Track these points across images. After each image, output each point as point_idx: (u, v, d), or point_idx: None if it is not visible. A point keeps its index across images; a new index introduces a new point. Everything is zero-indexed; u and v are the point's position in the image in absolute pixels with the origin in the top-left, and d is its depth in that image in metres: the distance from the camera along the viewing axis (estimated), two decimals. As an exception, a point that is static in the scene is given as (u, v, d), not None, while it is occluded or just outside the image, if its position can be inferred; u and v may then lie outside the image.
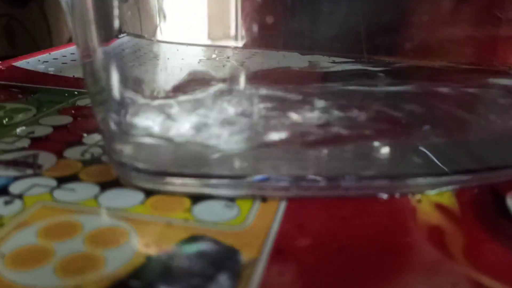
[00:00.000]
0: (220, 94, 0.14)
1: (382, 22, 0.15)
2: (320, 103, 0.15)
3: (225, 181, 0.13)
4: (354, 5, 0.15)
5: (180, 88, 0.15)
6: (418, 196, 0.13)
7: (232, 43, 0.16)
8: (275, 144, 0.13)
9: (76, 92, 0.21)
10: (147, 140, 0.14)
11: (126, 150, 0.14)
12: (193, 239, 0.11)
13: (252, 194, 0.13)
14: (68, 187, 0.13)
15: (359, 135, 0.14)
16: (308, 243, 0.11)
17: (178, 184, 0.13)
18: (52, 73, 0.24)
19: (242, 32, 0.15)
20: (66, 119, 0.18)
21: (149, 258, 0.10)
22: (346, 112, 0.15)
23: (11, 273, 0.10)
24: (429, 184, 0.13)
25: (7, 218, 0.12)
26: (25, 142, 0.16)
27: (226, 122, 0.14)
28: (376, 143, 0.13)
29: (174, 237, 0.11)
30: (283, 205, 0.12)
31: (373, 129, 0.14)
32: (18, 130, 0.17)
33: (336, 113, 0.14)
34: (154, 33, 0.16)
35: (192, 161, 0.13)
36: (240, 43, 0.15)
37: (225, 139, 0.13)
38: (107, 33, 0.14)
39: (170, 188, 0.13)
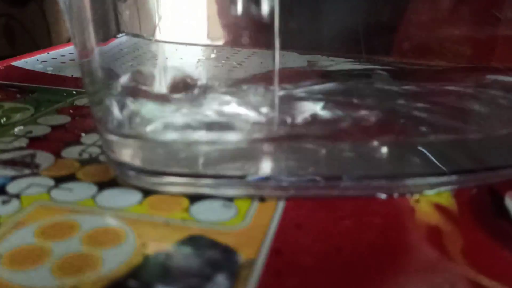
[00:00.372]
0: (216, 93, 0.14)
1: (380, 21, 0.15)
2: (318, 102, 0.15)
3: (223, 181, 0.13)
4: (353, 5, 0.15)
5: (177, 87, 0.15)
6: (416, 196, 0.13)
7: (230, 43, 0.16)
8: (273, 143, 0.13)
9: (74, 92, 0.21)
10: (145, 139, 0.14)
11: (124, 149, 0.14)
12: (190, 239, 0.11)
13: (250, 194, 0.13)
14: (65, 186, 0.13)
15: (357, 134, 0.14)
16: (306, 243, 0.11)
17: (176, 183, 0.13)
18: (50, 72, 0.24)
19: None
20: (64, 119, 0.18)
21: (146, 258, 0.10)
22: (344, 112, 0.15)
23: (8, 273, 0.10)
24: (428, 184, 0.13)
25: (4, 218, 0.12)
26: (23, 142, 0.16)
27: (223, 121, 0.14)
28: (374, 143, 0.13)
29: (172, 237, 0.11)
30: (281, 205, 0.12)
31: (371, 129, 0.14)
32: (16, 129, 0.17)
33: (334, 112, 0.14)
34: (153, 32, 0.16)
35: (190, 160, 0.13)
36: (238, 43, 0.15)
37: (223, 138, 0.13)
38: (105, 33, 0.14)
39: (167, 188, 0.13)
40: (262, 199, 0.13)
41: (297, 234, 0.11)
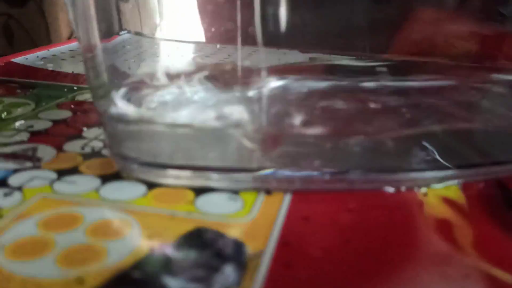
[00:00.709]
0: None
1: (384, 18, 0.15)
2: (324, 97, 0.14)
3: (229, 174, 0.13)
4: (356, 1, 0.15)
5: (179, 77, 0.14)
6: (424, 190, 0.13)
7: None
8: (280, 136, 0.13)
9: (75, 88, 0.21)
10: (149, 133, 0.13)
11: (128, 143, 0.13)
12: (197, 231, 0.11)
13: (257, 187, 0.12)
14: (68, 179, 0.13)
15: (364, 129, 0.14)
16: (315, 235, 0.11)
17: (180, 177, 0.13)
18: (51, 69, 0.24)
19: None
20: (66, 114, 0.18)
21: (152, 250, 0.10)
22: (350, 106, 0.14)
23: (11, 264, 0.10)
24: (435, 178, 0.13)
25: (6, 210, 0.11)
26: (24, 136, 0.16)
27: (228, 112, 0.14)
28: (381, 137, 0.13)
29: (178, 229, 0.11)
30: (288, 198, 0.12)
31: (378, 123, 0.14)
32: (17, 124, 0.17)
33: (340, 107, 0.14)
34: (154, 30, 0.16)
35: (194, 153, 0.13)
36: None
37: (228, 130, 0.13)
38: (108, 30, 0.14)
39: (172, 181, 0.13)
40: (268, 192, 0.12)
41: (305, 226, 0.11)
